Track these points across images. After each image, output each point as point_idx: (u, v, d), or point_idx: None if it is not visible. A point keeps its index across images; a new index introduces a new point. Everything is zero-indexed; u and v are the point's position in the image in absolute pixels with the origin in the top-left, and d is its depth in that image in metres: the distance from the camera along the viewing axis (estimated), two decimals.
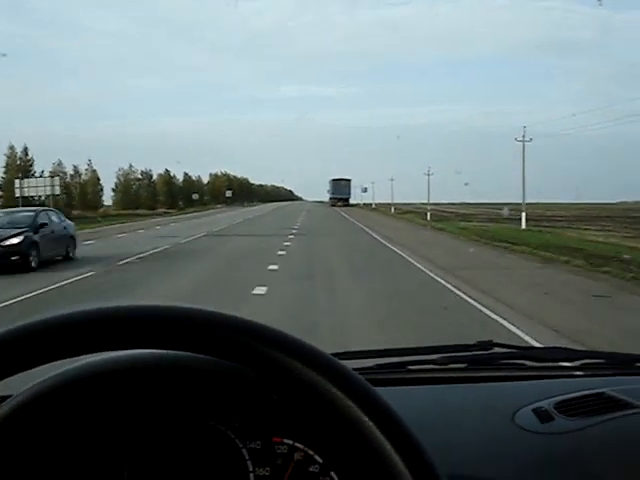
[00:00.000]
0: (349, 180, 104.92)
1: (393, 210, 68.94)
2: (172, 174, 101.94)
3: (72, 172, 71.67)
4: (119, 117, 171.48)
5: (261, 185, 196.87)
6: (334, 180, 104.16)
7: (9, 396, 0.84)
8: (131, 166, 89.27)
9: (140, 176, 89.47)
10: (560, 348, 1.63)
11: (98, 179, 73.90)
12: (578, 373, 1.56)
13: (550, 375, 1.53)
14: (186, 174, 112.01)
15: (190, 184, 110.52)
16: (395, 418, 0.74)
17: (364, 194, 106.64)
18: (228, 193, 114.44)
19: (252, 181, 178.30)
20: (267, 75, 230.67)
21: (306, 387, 0.74)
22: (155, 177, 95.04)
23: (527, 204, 38.33)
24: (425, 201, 58.87)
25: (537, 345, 2.76)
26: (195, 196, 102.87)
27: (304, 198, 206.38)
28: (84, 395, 0.85)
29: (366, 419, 0.73)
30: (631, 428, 1.16)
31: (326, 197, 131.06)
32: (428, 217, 45.40)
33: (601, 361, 1.62)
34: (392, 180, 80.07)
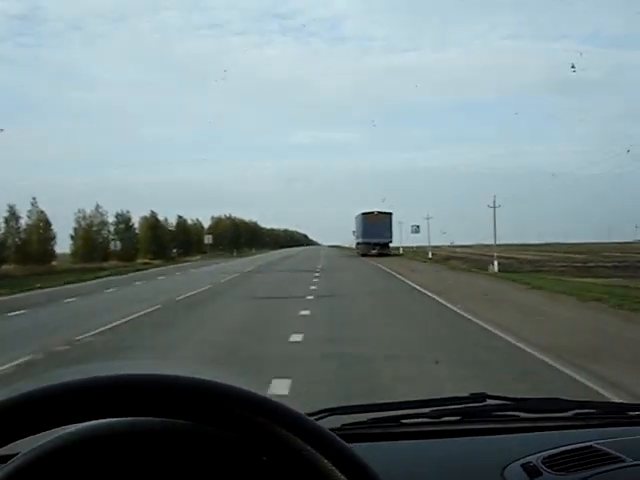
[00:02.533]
0: (389, 214, 64.53)
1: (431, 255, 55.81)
2: (162, 218, 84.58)
3: (6, 214, 50.69)
4: (128, 166, 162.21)
5: (272, 229, 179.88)
6: (365, 215, 64.81)
7: (16, 454, 0.86)
8: (98, 207, 67.50)
9: (113, 219, 69.20)
10: (553, 399, 1.62)
11: (48, 223, 54.73)
12: (570, 424, 1.55)
13: (542, 427, 1.53)
14: (180, 217, 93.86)
15: (185, 229, 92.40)
16: (372, 476, 0.78)
17: (415, 235, 63.40)
18: (207, 239, 79.34)
19: (262, 225, 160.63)
20: (278, 122, 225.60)
21: (289, 451, 0.76)
22: (136, 220, 76.85)
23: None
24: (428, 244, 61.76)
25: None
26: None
27: (319, 242, 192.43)
28: (83, 457, 0.87)
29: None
30: None
31: (344, 240, 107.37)
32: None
33: (592, 411, 1.61)
34: (400, 223, 67.91)
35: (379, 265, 41.64)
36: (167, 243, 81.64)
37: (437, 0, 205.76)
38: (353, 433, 1.44)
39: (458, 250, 70.08)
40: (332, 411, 1.50)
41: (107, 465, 0.89)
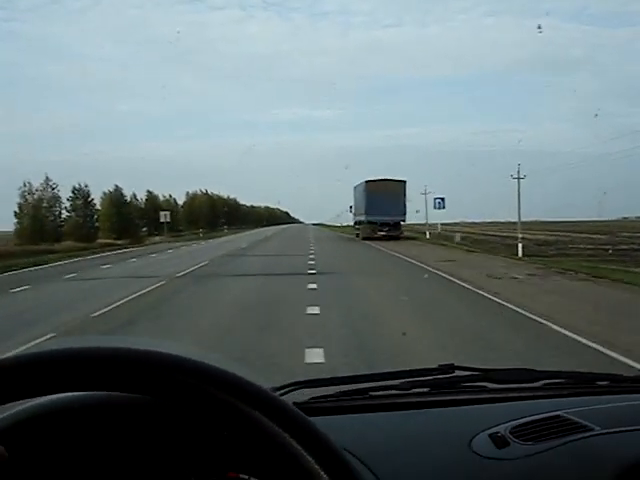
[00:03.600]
0: (402, 183, 47.79)
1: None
2: (130, 193, 76.08)
3: None
4: (106, 142, 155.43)
5: (253, 206, 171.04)
6: (369, 184, 47.72)
7: None
8: (48, 180, 55.85)
9: (71, 194, 60.39)
10: (521, 369, 1.60)
11: None
12: (539, 394, 1.56)
13: (510, 397, 1.54)
14: (150, 193, 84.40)
15: (156, 206, 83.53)
16: (333, 451, 0.79)
17: (437, 211, 48.59)
18: (163, 216, 62.39)
19: (242, 202, 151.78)
20: (260, 99, 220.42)
21: (248, 424, 0.78)
22: (98, 197, 67.92)
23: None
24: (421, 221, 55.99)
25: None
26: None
27: (302, 220, 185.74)
28: (39, 433, 0.88)
29: (305, 454, 0.77)
30: (583, 451, 1.17)
31: (327, 218, 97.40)
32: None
33: (562, 381, 1.61)
34: (425, 194, 52.58)
35: (409, 259, 25.18)
36: (135, 221, 73.74)
37: None
38: (321, 406, 1.41)
39: (466, 229, 60.26)
40: (299, 384, 1.47)
41: (63, 439, 0.90)
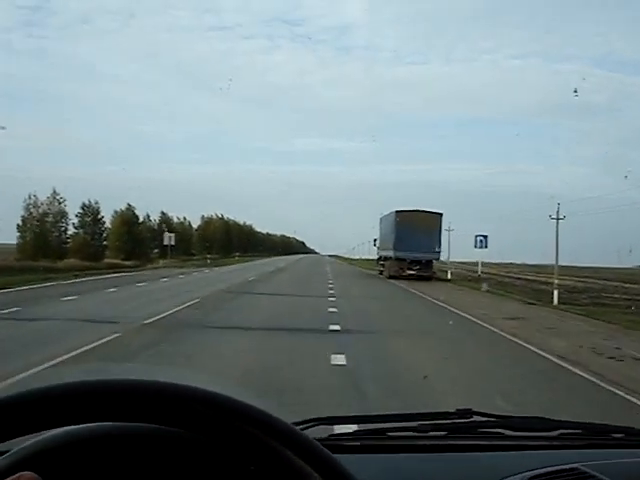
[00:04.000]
0: (439, 216, 41.56)
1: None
2: (143, 214, 72.97)
3: None
4: (123, 162, 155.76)
5: (269, 234, 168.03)
6: (400, 214, 40.71)
7: (6, 452, 0.87)
8: (55, 194, 52.31)
9: (80, 210, 53.86)
10: (538, 418, 1.62)
11: None
12: (555, 444, 1.56)
13: (527, 445, 1.54)
14: (163, 214, 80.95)
15: (168, 228, 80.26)
16: None
17: (479, 250, 43.09)
18: (168, 238, 59.11)
19: (258, 229, 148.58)
20: (281, 128, 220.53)
21: (275, 459, 0.78)
22: (109, 215, 64.48)
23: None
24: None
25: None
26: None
27: (317, 251, 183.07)
28: (65, 461, 0.89)
29: None
30: None
31: (342, 250, 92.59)
32: None
33: (578, 432, 1.61)
34: (449, 230, 47.14)
35: (461, 313, 19.02)
36: (146, 242, 70.85)
37: (447, 14, 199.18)
38: (339, 444, 1.42)
39: (491, 271, 56.18)
40: (319, 421, 1.47)
41: (94, 466, 0.90)
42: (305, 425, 1.41)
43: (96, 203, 59.02)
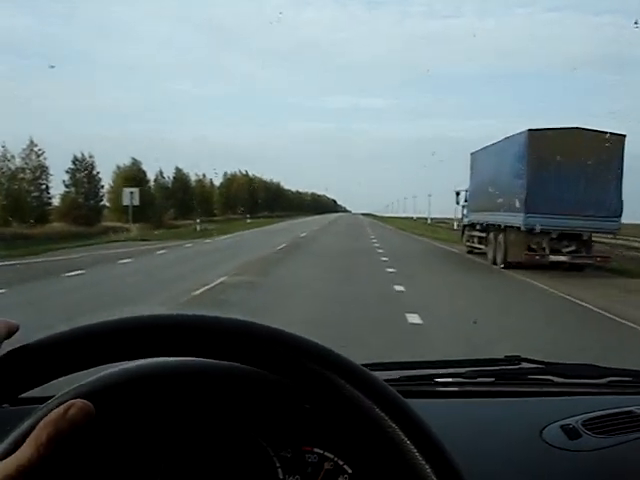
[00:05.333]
0: (620, 139, 18.11)
1: None
2: (156, 171, 62.90)
3: None
4: (160, 122, 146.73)
5: (299, 192, 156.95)
6: (542, 135, 18.33)
7: (52, 396, 0.84)
8: (32, 145, 41.60)
9: (72, 166, 45.46)
10: (587, 365, 1.60)
11: None
12: (605, 390, 1.55)
13: (577, 392, 1.53)
14: (179, 170, 71.68)
15: (186, 187, 71.19)
16: (428, 432, 0.77)
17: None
18: (128, 194, 40.77)
19: (286, 187, 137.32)
20: (312, 85, 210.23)
21: (340, 398, 0.77)
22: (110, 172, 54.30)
23: None
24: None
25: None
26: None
27: (349, 209, 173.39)
28: (127, 399, 0.87)
29: (399, 432, 0.75)
30: None
31: (374, 208, 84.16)
32: None
33: (628, 379, 1.60)
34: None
35: None
36: (159, 202, 61.10)
37: None
38: None
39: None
40: (366, 366, 1.32)
41: (152, 405, 0.90)
42: None
43: (90, 157, 49.48)
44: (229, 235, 38.34)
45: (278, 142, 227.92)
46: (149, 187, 58.48)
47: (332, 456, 0.93)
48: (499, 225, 20.26)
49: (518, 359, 1.59)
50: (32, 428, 0.73)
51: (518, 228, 18.62)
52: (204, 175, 79.11)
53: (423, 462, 0.74)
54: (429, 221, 75.35)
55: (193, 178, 73.39)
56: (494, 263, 20.32)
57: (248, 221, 59.91)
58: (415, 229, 53.20)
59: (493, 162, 21.79)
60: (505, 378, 1.57)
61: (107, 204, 52.55)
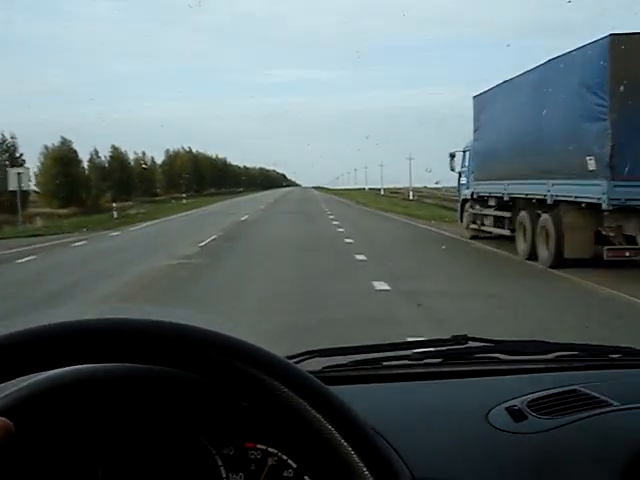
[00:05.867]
0: None
1: None
2: (90, 150, 56.64)
3: None
4: (101, 102, 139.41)
5: (246, 167, 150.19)
6: (630, 42, 10.41)
7: None
8: None
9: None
10: (534, 341, 1.60)
11: None
12: (552, 366, 1.55)
13: (524, 369, 1.53)
14: (115, 148, 61.40)
15: (123, 167, 60.46)
16: (352, 419, 0.79)
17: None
18: (14, 176, 31.37)
19: (234, 163, 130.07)
20: (256, 60, 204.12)
21: (268, 394, 0.78)
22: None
23: None
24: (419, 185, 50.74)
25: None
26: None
27: (299, 183, 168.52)
28: (62, 401, 0.87)
29: (324, 421, 0.77)
30: (602, 426, 1.16)
31: (324, 181, 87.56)
32: None
33: (575, 353, 1.60)
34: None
35: None
36: (95, 184, 55.11)
37: None
38: (334, 376, 1.40)
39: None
40: (312, 354, 1.47)
41: (82, 410, 0.89)
42: (299, 358, 1.38)
43: (12, 138, 43.91)
44: (152, 222, 30.24)
45: (222, 119, 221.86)
46: (82, 168, 53.02)
47: (276, 451, 0.92)
48: (542, 199, 13.27)
49: (465, 338, 1.58)
50: None
51: (586, 205, 11.86)
52: (144, 153, 73.33)
53: (349, 449, 0.75)
54: (382, 192, 72.28)
55: (132, 157, 67.59)
56: (530, 258, 13.64)
57: (184, 202, 51.15)
58: (377, 203, 46.27)
59: (529, 100, 14.20)
60: (452, 358, 1.56)
61: (36, 189, 47.91)
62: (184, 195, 51.10)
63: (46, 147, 50.52)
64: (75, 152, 51.85)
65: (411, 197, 56.75)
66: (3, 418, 0.72)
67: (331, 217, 30.90)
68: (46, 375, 0.83)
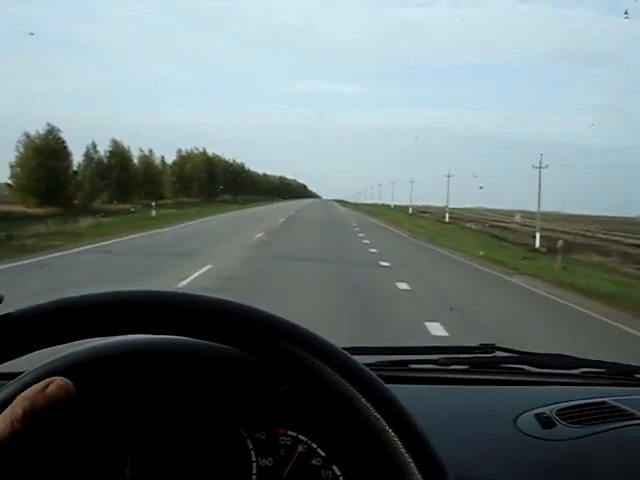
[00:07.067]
0: None
1: None
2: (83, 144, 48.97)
3: None
4: (134, 106, 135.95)
5: (266, 175, 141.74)
6: None
7: (21, 372, 0.84)
8: None
9: None
10: (562, 355, 1.60)
11: None
12: (579, 381, 1.56)
13: (550, 382, 1.53)
14: (116, 143, 52.87)
15: (124, 164, 51.80)
16: (407, 417, 0.76)
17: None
18: None
19: (252, 169, 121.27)
20: (284, 70, 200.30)
21: (317, 380, 0.76)
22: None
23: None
24: (442, 204, 48.50)
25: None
26: None
27: (320, 195, 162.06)
28: (98, 377, 0.87)
29: (377, 415, 0.74)
30: (633, 438, 1.16)
31: (345, 194, 78.62)
32: None
33: (601, 370, 1.60)
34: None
35: None
36: (90, 182, 47.66)
37: None
38: None
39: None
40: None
41: (122, 383, 0.90)
42: None
43: None
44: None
45: (246, 127, 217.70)
46: (70, 161, 45.17)
47: (305, 439, 0.93)
48: None
49: (492, 347, 1.57)
50: (5, 403, 0.71)
51: None
52: (151, 151, 65.17)
53: (406, 454, 0.72)
54: (410, 211, 65.27)
55: (136, 154, 59.78)
56: None
57: (153, 213, 36.40)
58: (447, 238, 30.82)
59: None
60: (479, 366, 1.55)
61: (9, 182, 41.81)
62: (153, 204, 38.33)
63: (27, 135, 43.29)
64: (63, 143, 43.94)
65: (446, 219, 50.12)
66: (65, 378, 0.72)
67: (385, 265, 16.92)
68: (106, 341, 0.83)
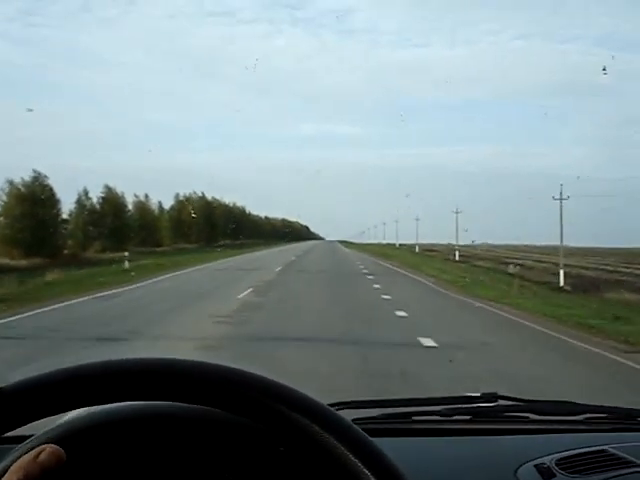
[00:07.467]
0: None
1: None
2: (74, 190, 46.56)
3: None
4: (133, 150, 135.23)
5: (267, 218, 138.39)
6: None
7: (31, 435, 0.85)
8: None
9: None
10: (564, 402, 1.59)
11: None
12: (581, 427, 1.55)
13: (553, 429, 1.52)
14: (109, 189, 51.33)
15: (117, 210, 50.30)
16: (395, 470, 0.77)
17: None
18: None
19: (253, 212, 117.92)
20: (282, 113, 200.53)
21: (307, 439, 0.77)
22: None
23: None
24: (445, 242, 47.41)
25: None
26: None
27: (323, 236, 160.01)
28: (95, 443, 0.88)
29: (366, 471, 0.76)
30: None
31: (348, 235, 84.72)
32: None
33: (604, 415, 1.59)
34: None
35: None
36: (83, 230, 45.53)
37: None
38: (364, 428, 1.31)
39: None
40: (344, 405, 1.47)
41: (121, 448, 0.90)
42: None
43: None
44: None
45: (247, 170, 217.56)
46: (58, 209, 42.95)
47: None
48: None
49: (495, 396, 1.57)
50: (4, 472, 0.74)
51: None
52: (147, 196, 63.03)
53: None
54: (417, 249, 62.98)
55: (131, 200, 57.52)
56: None
57: (126, 265, 31.93)
58: (449, 275, 29.32)
59: None
60: (482, 415, 1.55)
61: None
62: (126, 254, 33.58)
63: (10, 182, 41.02)
64: (51, 190, 41.93)
65: (457, 258, 47.55)
66: (56, 446, 0.76)
67: (431, 346, 11.17)
68: (103, 408, 0.84)
